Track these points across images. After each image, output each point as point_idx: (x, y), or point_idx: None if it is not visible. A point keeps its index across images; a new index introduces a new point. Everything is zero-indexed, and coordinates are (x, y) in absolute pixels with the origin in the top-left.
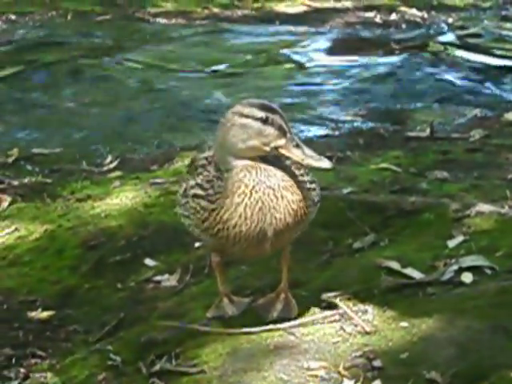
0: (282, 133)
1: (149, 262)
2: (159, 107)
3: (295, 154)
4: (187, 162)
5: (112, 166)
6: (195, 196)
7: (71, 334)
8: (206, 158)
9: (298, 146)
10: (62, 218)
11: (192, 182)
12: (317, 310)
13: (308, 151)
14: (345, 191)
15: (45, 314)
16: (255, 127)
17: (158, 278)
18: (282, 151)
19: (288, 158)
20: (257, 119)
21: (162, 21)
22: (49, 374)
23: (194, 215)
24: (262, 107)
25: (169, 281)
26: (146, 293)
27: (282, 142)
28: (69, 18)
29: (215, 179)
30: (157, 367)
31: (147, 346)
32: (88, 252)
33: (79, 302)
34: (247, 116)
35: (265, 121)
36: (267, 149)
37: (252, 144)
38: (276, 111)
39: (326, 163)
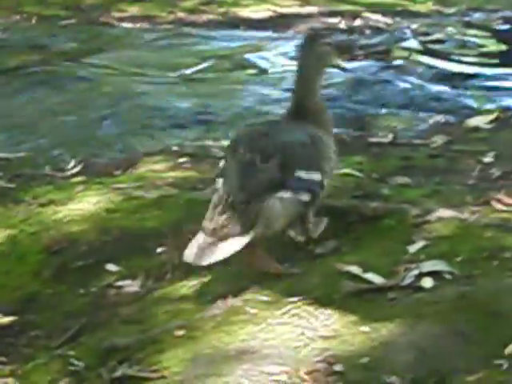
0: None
1: (111, 267)
2: (123, 112)
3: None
4: (151, 167)
5: (75, 170)
6: None
7: (33, 340)
8: None
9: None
10: (24, 223)
11: None
12: (278, 314)
13: None
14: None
15: (6, 320)
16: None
17: (120, 283)
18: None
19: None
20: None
21: (127, 25)
22: (10, 380)
23: None
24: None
25: (131, 286)
26: (108, 298)
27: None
28: (33, 22)
29: None
30: (118, 373)
31: (109, 351)
32: (50, 257)
33: (41, 308)
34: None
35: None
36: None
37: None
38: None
39: None
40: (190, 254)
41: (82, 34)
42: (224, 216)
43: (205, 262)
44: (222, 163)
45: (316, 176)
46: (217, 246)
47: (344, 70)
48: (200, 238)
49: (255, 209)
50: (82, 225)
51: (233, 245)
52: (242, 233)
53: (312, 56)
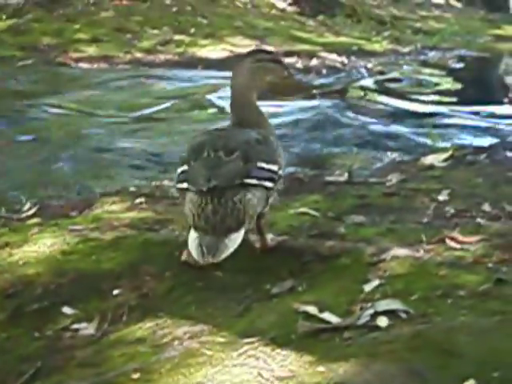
0: (285, 67)
1: (67, 310)
2: (80, 153)
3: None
4: (107, 208)
5: (31, 212)
6: None
7: None
8: None
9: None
10: None
11: None
12: (235, 356)
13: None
14: None
15: None
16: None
17: (76, 326)
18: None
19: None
20: (269, 60)
21: (85, 65)
22: None
23: None
24: (267, 52)
25: (87, 329)
26: (63, 341)
27: (285, 72)
28: None
29: None
30: None
31: None
32: (5, 300)
33: None
34: (261, 60)
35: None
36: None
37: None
38: (276, 53)
39: None
40: (198, 253)
41: (39, 75)
42: (219, 214)
43: (216, 259)
44: (183, 167)
45: (274, 167)
46: (223, 241)
47: (307, 90)
48: (201, 237)
49: (241, 206)
50: (37, 267)
51: (235, 239)
52: (238, 227)
53: (241, 73)
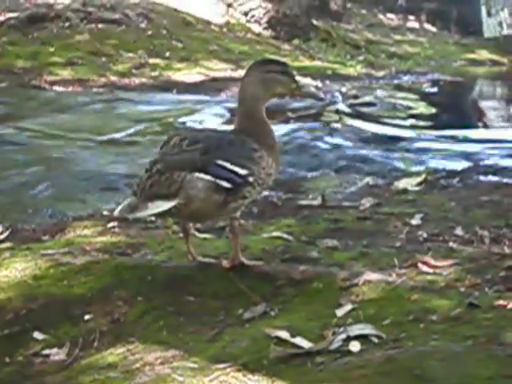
0: (293, 79)
1: (38, 335)
2: (53, 176)
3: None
4: (80, 232)
5: (2, 236)
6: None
7: None
8: None
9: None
10: None
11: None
12: (206, 381)
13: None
14: None
15: None
16: (278, 78)
17: (47, 351)
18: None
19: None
20: (278, 72)
21: (59, 89)
22: None
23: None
24: (278, 63)
25: (58, 354)
26: (34, 367)
27: (294, 85)
28: None
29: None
30: None
31: None
32: None
33: None
34: (271, 71)
35: (283, 72)
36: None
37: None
38: (286, 65)
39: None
40: (119, 209)
41: (13, 98)
42: (150, 180)
43: (132, 216)
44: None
45: (241, 170)
46: (145, 204)
47: (320, 99)
48: (130, 199)
49: (178, 179)
50: (8, 292)
51: (158, 206)
52: (166, 197)
53: (251, 81)
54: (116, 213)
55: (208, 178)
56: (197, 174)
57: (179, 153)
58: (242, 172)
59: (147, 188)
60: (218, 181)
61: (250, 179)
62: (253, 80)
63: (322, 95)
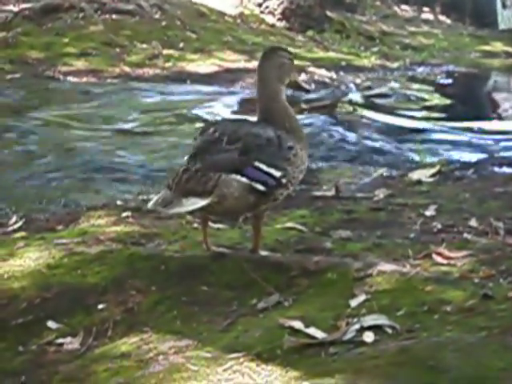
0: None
1: (51, 324)
2: (67, 166)
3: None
4: (93, 221)
5: (17, 226)
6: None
7: None
8: None
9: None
10: None
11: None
12: (220, 371)
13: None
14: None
15: None
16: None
17: (61, 340)
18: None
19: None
20: (289, 59)
21: (73, 79)
22: None
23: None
24: (288, 51)
25: (71, 343)
26: (48, 356)
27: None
28: None
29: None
30: None
31: None
32: None
33: None
34: (284, 57)
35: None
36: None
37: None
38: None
39: None
40: (153, 203)
41: (27, 88)
42: (186, 175)
43: (166, 211)
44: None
45: (276, 172)
46: (179, 200)
47: (308, 91)
48: (164, 192)
49: (214, 178)
50: (22, 281)
51: (193, 203)
52: (201, 195)
53: (272, 65)
54: (150, 206)
55: (244, 180)
56: (233, 176)
57: (219, 152)
58: (277, 174)
59: (182, 183)
60: (254, 183)
61: (284, 181)
62: (272, 63)
63: (309, 87)
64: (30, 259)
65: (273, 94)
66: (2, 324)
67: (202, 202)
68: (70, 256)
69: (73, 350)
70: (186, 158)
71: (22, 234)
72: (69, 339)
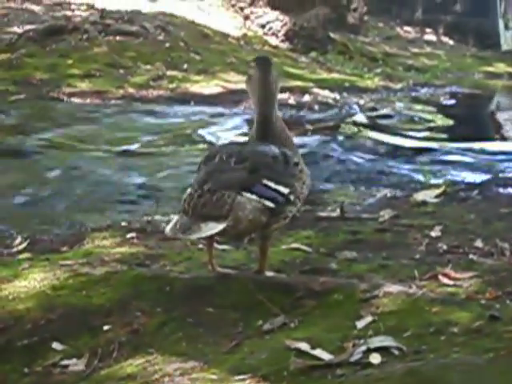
0: None
1: (56, 345)
2: (71, 187)
3: None
4: (98, 242)
5: (21, 247)
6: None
7: None
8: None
9: None
10: None
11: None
12: None
13: None
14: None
15: None
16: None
17: (66, 362)
18: None
19: None
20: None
21: (77, 100)
22: None
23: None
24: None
25: (76, 365)
26: (53, 377)
27: None
28: None
29: None
30: None
31: None
32: None
33: None
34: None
35: None
36: None
37: None
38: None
39: None
40: (171, 229)
41: (32, 110)
42: (202, 199)
43: (185, 237)
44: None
45: (283, 189)
46: (197, 225)
47: None
48: (180, 217)
49: (228, 200)
50: (27, 302)
51: (210, 228)
52: (217, 219)
53: (275, 79)
54: (168, 232)
55: (254, 197)
56: (245, 195)
57: (228, 171)
58: (285, 191)
59: (199, 207)
60: (263, 200)
61: (292, 197)
62: (275, 76)
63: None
64: (34, 280)
65: (274, 107)
66: (7, 345)
67: (219, 226)
68: (75, 277)
69: (78, 372)
70: (195, 183)
71: (27, 255)
72: (74, 361)
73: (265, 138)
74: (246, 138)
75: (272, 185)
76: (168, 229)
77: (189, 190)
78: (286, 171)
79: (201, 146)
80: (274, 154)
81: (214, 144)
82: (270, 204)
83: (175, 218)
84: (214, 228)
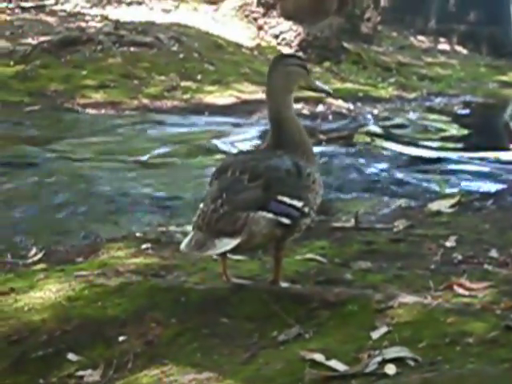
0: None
1: (72, 356)
2: (86, 198)
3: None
4: (113, 253)
5: (37, 258)
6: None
7: None
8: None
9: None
10: None
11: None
12: None
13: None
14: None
15: None
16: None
17: (81, 373)
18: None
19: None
20: (298, 65)
21: (92, 111)
22: None
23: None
24: (297, 57)
25: (92, 376)
26: None
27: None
28: None
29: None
30: None
31: None
32: (10, 347)
33: None
34: (292, 64)
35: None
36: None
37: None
38: (304, 59)
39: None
40: (185, 245)
41: (46, 121)
42: (216, 215)
43: (200, 254)
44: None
45: (298, 203)
46: (212, 241)
47: (329, 94)
48: (195, 233)
49: (242, 217)
50: (42, 313)
51: (225, 244)
52: (232, 234)
53: (277, 75)
54: (183, 249)
55: (270, 215)
56: (260, 213)
57: (242, 191)
58: (299, 204)
59: (213, 223)
60: (279, 218)
61: (306, 210)
62: (280, 74)
63: (329, 89)
64: (50, 291)
65: (280, 106)
66: (22, 356)
67: (234, 242)
68: (90, 288)
69: (93, 383)
70: (207, 198)
71: (42, 266)
72: (89, 372)
73: (278, 145)
74: (261, 146)
75: (287, 200)
76: (183, 245)
77: (201, 205)
78: (300, 184)
79: (215, 156)
80: (287, 167)
81: (228, 154)
82: (286, 220)
83: (189, 234)
84: (229, 244)
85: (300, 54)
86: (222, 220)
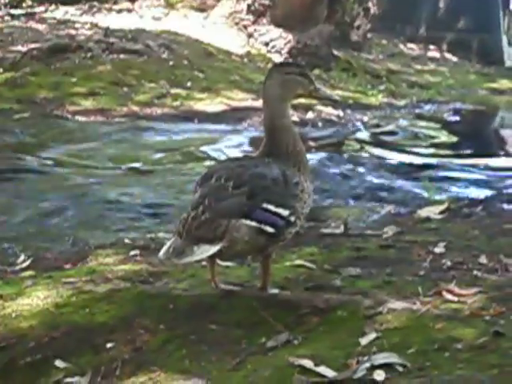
0: (311, 81)
1: (59, 363)
2: (75, 205)
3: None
4: (102, 260)
5: (25, 265)
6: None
7: None
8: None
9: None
10: None
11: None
12: None
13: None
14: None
15: None
16: (298, 79)
17: (69, 379)
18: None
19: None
20: (297, 74)
21: (81, 118)
22: None
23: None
24: (297, 65)
25: (79, 383)
26: None
27: (312, 87)
28: None
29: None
30: None
31: None
32: None
33: None
34: (290, 73)
35: (302, 74)
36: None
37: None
38: (304, 67)
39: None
40: (164, 252)
41: (35, 128)
42: (196, 222)
43: (178, 261)
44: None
45: (283, 212)
46: (191, 248)
47: (335, 101)
48: (174, 240)
49: (223, 224)
50: (30, 320)
51: (204, 250)
52: (212, 241)
53: (274, 84)
54: (161, 256)
55: (253, 223)
56: (242, 221)
57: (226, 198)
58: (285, 213)
59: (193, 230)
60: (263, 226)
61: (292, 218)
62: (275, 82)
63: (335, 97)
64: (38, 298)
65: (275, 114)
66: (10, 363)
67: (213, 249)
68: (78, 295)
69: None
70: (191, 205)
71: (30, 272)
72: (77, 379)
73: (270, 153)
74: (254, 153)
75: (272, 208)
76: (161, 253)
77: (184, 214)
78: (286, 192)
79: (205, 163)
80: (274, 176)
81: (218, 161)
82: (270, 229)
83: (169, 241)
84: (208, 251)
85: (291, 61)
86: (203, 227)
